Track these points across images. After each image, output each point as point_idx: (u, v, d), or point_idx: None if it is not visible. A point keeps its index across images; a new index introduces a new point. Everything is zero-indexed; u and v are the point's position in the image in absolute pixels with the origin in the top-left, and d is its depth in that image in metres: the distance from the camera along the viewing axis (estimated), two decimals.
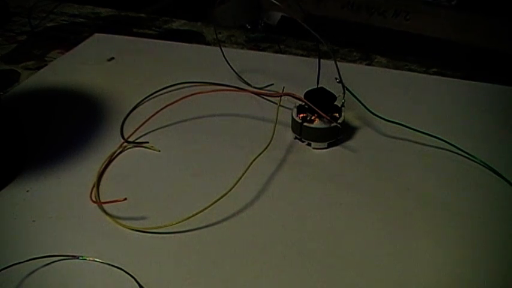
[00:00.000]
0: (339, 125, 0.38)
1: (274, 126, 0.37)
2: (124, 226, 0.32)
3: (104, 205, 0.34)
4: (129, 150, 0.39)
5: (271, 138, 0.37)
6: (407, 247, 0.31)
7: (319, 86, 0.40)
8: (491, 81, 0.47)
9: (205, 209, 0.32)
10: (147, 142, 0.40)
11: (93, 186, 0.35)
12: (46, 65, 0.53)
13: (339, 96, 0.39)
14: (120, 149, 0.39)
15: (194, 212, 0.31)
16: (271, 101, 0.45)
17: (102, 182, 0.36)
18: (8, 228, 0.32)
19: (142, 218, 0.33)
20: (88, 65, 0.52)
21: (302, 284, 0.29)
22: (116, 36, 0.58)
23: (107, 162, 0.38)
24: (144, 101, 0.45)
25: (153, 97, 0.46)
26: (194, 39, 0.59)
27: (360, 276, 0.29)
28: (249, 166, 0.34)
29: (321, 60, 0.41)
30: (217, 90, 0.43)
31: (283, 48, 0.56)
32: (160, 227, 0.32)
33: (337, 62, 0.37)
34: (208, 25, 0.62)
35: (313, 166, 0.38)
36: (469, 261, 0.30)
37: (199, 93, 0.42)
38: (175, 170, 0.37)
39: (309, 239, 0.32)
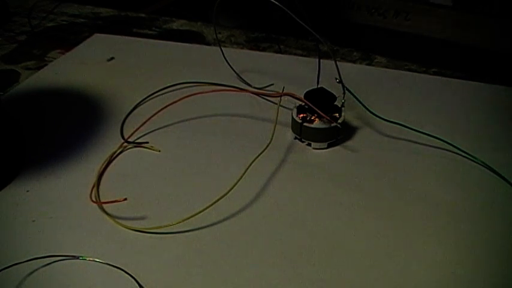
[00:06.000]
0: (339, 125, 0.38)
1: (274, 126, 0.37)
2: (124, 226, 0.32)
3: (104, 205, 0.34)
4: (129, 150, 0.39)
5: (271, 138, 0.37)
6: (407, 247, 0.31)
7: (319, 86, 0.40)
8: (491, 81, 0.47)
9: (205, 209, 0.32)
10: (147, 142, 0.40)
11: (93, 186, 0.35)
12: (46, 65, 0.52)
13: (339, 96, 0.39)
14: (120, 149, 0.39)
15: (194, 212, 0.31)
16: (271, 101, 0.45)
17: (102, 182, 0.36)
18: (8, 228, 0.32)
19: (142, 218, 0.33)
20: (88, 65, 0.52)
21: (302, 283, 0.29)
22: (116, 36, 0.58)
23: (107, 162, 0.38)
24: (144, 101, 0.45)
25: (153, 97, 0.46)
26: (194, 39, 0.59)
27: (360, 276, 0.29)
28: (249, 166, 0.34)
29: (321, 60, 0.41)
30: (217, 90, 0.42)
31: (283, 48, 0.56)
32: (160, 227, 0.32)
33: (337, 62, 0.37)
34: (208, 25, 0.62)
35: (313, 166, 0.38)
36: (469, 261, 0.30)
37: (199, 93, 0.42)
38: (175, 170, 0.37)
39: (309, 239, 0.32)
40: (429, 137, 0.39)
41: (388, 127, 0.40)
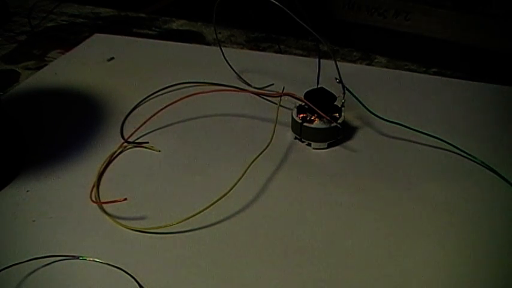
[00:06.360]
0: (339, 125, 0.38)
1: (274, 126, 0.37)
2: (124, 226, 0.32)
3: (104, 205, 0.34)
4: (129, 150, 0.39)
5: (271, 138, 0.37)
6: (407, 247, 0.31)
7: (319, 86, 0.40)
8: (491, 81, 0.47)
9: (205, 209, 0.32)
10: (147, 142, 0.40)
11: (93, 186, 0.35)
12: (46, 65, 0.52)
13: (339, 96, 0.39)
14: (120, 149, 0.39)
15: (194, 212, 0.31)
16: (271, 101, 0.45)
17: (102, 182, 0.36)
18: (8, 228, 0.32)
19: (142, 218, 0.33)
20: (88, 65, 0.52)
21: (302, 284, 0.29)
22: (116, 36, 0.58)
23: (107, 162, 0.38)
24: (144, 101, 0.45)
25: (153, 97, 0.46)
26: (194, 39, 0.59)
27: (360, 276, 0.29)
28: (249, 166, 0.34)
29: (321, 60, 0.41)
30: (217, 90, 0.42)
31: (283, 48, 0.56)
32: (160, 227, 0.32)
33: (337, 62, 0.37)
34: (208, 25, 0.62)
35: (313, 166, 0.38)
36: (469, 261, 0.30)
37: (199, 93, 0.42)
38: (175, 170, 0.37)
39: (309, 239, 0.32)
40: (429, 137, 0.39)
41: (388, 127, 0.40)
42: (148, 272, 0.29)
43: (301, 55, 0.55)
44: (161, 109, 0.41)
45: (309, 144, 0.39)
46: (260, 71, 0.50)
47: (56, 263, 0.29)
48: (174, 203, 0.34)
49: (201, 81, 0.47)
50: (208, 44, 0.58)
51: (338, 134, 0.39)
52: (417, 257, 0.30)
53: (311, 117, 0.39)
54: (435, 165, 0.37)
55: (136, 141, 0.40)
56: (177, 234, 0.32)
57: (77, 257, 0.30)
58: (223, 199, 0.32)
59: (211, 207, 0.32)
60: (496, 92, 0.46)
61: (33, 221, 0.33)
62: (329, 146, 0.39)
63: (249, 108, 0.44)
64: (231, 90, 0.44)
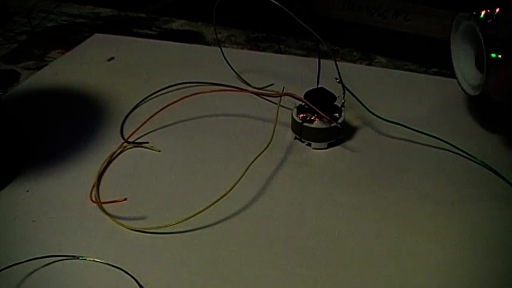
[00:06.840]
0: (339, 125, 0.38)
1: (274, 126, 0.37)
2: (124, 226, 0.32)
3: (104, 205, 0.34)
4: (129, 150, 0.39)
5: (271, 138, 0.37)
6: (407, 247, 0.31)
7: (319, 86, 0.40)
8: None
9: (205, 209, 0.32)
10: (147, 142, 0.40)
11: (93, 186, 0.35)
12: (46, 65, 0.52)
13: (339, 96, 0.39)
14: (120, 149, 0.39)
15: (194, 212, 0.31)
16: (271, 101, 0.45)
17: (102, 182, 0.36)
18: (8, 228, 0.32)
19: (142, 218, 0.33)
20: (88, 65, 0.52)
21: (302, 283, 0.29)
22: (116, 36, 0.58)
23: (107, 162, 0.38)
24: (144, 101, 0.45)
25: (153, 97, 0.46)
26: (194, 39, 0.59)
27: (360, 276, 0.29)
28: (249, 166, 0.34)
29: (321, 60, 0.41)
30: (217, 90, 0.43)
31: (283, 48, 0.56)
32: (160, 227, 0.32)
33: (337, 62, 0.37)
34: (208, 25, 0.62)
35: (313, 166, 0.38)
36: (469, 261, 0.30)
37: (199, 93, 0.42)
38: (175, 170, 0.37)
39: (309, 239, 0.32)
40: (429, 137, 0.39)
41: (388, 127, 0.40)
42: (148, 272, 0.29)
43: (301, 55, 0.55)
44: (161, 109, 0.41)
45: (309, 144, 0.39)
46: (260, 71, 0.50)
47: (56, 263, 0.29)
48: (174, 203, 0.34)
49: (201, 81, 0.47)
50: (208, 44, 0.58)
51: (338, 134, 0.39)
52: (417, 257, 0.30)
53: (311, 117, 0.39)
54: (435, 165, 0.37)
55: (136, 141, 0.40)
56: (177, 234, 0.32)
57: (77, 257, 0.30)
58: (223, 199, 0.32)
59: (211, 207, 0.32)
60: None
61: (33, 221, 0.33)
62: (329, 146, 0.39)
63: (249, 108, 0.44)
64: (231, 90, 0.44)
